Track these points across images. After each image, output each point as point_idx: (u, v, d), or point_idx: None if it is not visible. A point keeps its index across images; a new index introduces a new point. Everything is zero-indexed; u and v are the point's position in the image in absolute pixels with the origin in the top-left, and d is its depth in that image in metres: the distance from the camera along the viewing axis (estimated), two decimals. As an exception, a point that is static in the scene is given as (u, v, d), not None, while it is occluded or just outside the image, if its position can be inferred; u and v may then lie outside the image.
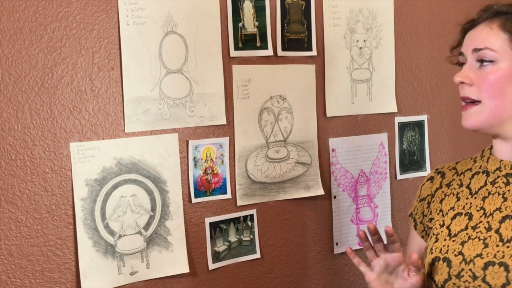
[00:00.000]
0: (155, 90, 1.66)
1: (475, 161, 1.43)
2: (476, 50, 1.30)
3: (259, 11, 1.82)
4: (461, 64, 1.35)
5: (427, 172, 2.21)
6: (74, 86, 1.56)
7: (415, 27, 2.17)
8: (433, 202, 1.47)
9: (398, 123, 2.14)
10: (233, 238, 1.82)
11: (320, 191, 1.97)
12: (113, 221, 1.61)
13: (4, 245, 1.49)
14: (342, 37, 2.00)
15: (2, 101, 1.47)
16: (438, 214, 1.43)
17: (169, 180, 1.69)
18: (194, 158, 1.73)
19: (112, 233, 1.61)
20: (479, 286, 1.24)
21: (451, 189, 1.44)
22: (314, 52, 1.93)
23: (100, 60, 1.59)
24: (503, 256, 1.22)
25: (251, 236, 1.85)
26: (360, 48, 2.03)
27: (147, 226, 1.66)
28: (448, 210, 1.40)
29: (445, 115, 2.26)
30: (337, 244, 2.03)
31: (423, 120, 2.20)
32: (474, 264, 1.25)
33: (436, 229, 1.38)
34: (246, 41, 1.80)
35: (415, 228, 1.51)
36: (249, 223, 1.85)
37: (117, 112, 1.62)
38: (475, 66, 1.30)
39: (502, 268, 1.21)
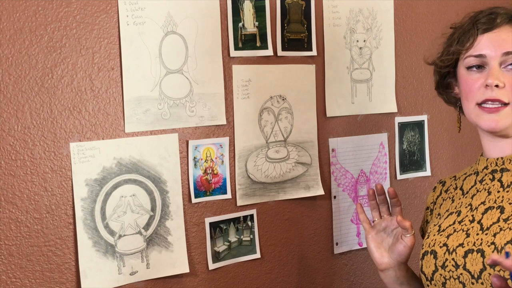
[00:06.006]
0: (155, 90, 1.66)
1: (471, 167, 1.49)
2: (508, 53, 1.31)
3: (259, 11, 1.82)
4: (478, 66, 1.35)
5: (427, 172, 2.22)
6: (74, 86, 1.56)
7: (415, 27, 2.17)
8: (435, 208, 1.54)
9: (398, 123, 2.14)
10: (233, 238, 1.82)
11: (320, 191, 1.97)
12: (113, 221, 1.61)
13: (4, 245, 1.49)
14: (342, 37, 2.00)
15: (2, 101, 1.47)
16: (436, 217, 1.49)
17: (169, 180, 1.69)
18: (194, 158, 1.73)
19: (112, 233, 1.61)
20: (461, 274, 1.28)
21: (448, 194, 1.50)
22: (314, 52, 1.94)
23: (100, 60, 1.59)
24: (481, 244, 1.26)
25: (251, 236, 1.85)
26: (360, 48, 2.03)
27: (147, 226, 1.66)
28: (444, 212, 1.45)
29: (445, 115, 2.25)
30: (337, 244, 2.03)
31: (423, 120, 2.20)
32: (456, 253, 1.30)
33: (430, 228, 1.44)
34: (246, 41, 1.80)
35: (422, 237, 1.56)
36: (249, 223, 1.85)
37: (117, 112, 1.62)
38: (499, 68, 1.32)
39: (479, 254, 1.25)
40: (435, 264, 1.33)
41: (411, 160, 2.17)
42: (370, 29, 2.05)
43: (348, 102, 2.03)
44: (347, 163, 2.04)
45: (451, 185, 1.51)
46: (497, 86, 1.30)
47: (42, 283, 1.53)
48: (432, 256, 1.34)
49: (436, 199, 1.54)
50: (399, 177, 2.16)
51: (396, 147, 2.15)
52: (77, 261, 1.56)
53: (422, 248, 1.39)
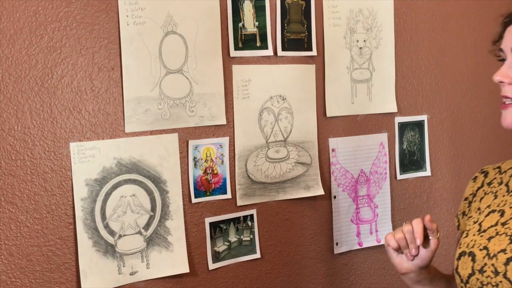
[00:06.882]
0: (155, 90, 1.66)
1: None
2: None
3: (259, 11, 1.82)
4: (502, 60, 1.29)
5: (427, 172, 2.21)
6: (74, 86, 1.56)
7: (415, 27, 2.17)
8: (474, 201, 1.45)
9: (398, 123, 2.14)
10: (233, 238, 1.82)
11: (320, 191, 1.97)
12: (113, 221, 1.61)
13: (4, 245, 1.49)
14: (342, 37, 1.99)
15: (2, 101, 1.47)
16: (476, 212, 1.41)
17: (169, 180, 1.69)
18: (194, 158, 1.73)
19: (112, 233, 1.61)
20: (501, 282, 1.21)
21: (491, 188, 1.41)
22: (314, 52, 1.94)
23: (100, 60, 1.59)
24: None
25: (251, 236, 1.85)
26: (360, 48, 2.03)
27: (147, 226, 1.66)
28: (485, 208, 1.37)
29: (445, 115, 2.25)
30: (337, 244, 2.03)
31: (423, 120, 2.20)
32: (497, 259, 1.22)
33: (469, 225, 1.36)
34: (246, 41, 1.80)
35: (458, 228, 1.49)
36: (249, 223, 1.85)
37: (117, 112, 1.62)
38: (510, 63, 1.26)
39: None
40: (472, 267, 1.26)
41: (411, 160, 2.17)
42: (370, 29, 2.05)
43: (348, 102, 2.03)
44: (347, 163, 2.03)
45: (495, 178, 1.42)
46: (502, 82, 1.26)
47: (42, 283, 1.53)
48: (470, 258, 1.27)
49: (477, 191, 1.45)
50: (399, 177, 2.16)
51: (396, 147, 2.15)
52: (77, 261, 1.56)
53: (459, 248, 1.31)
